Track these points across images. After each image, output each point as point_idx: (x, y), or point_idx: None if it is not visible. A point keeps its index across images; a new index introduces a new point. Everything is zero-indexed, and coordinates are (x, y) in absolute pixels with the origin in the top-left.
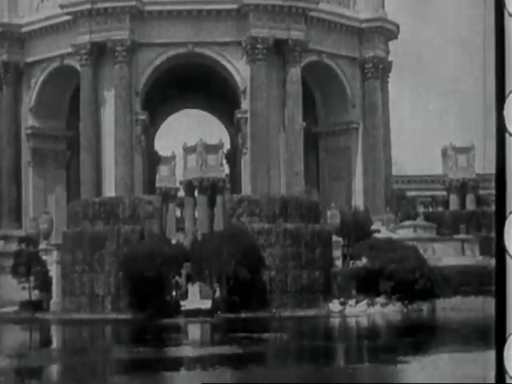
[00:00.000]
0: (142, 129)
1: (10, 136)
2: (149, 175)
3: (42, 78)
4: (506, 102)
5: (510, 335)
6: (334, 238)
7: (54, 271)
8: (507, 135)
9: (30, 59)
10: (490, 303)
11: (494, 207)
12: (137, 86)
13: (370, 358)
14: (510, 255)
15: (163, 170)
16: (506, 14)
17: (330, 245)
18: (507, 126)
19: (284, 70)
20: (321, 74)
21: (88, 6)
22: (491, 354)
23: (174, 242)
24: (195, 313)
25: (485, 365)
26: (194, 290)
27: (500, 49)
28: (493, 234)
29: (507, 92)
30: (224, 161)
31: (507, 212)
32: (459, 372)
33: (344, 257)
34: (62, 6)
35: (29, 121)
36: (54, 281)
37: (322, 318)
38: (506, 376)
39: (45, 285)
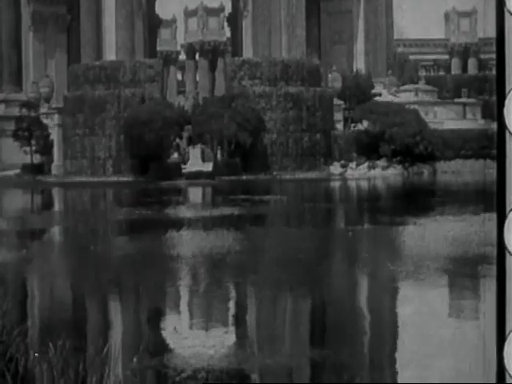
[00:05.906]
0: None
1: (10, 0)
2: (149, 39)
3: None
4: (506, 100)
5: (510, 333)
6: (335, 101)
7: (55, 135)
8: (507, 134)
9: None
10: (490, 166)
11: (494, 71)
12: None
13: (369, 220)
14: (510, 253)
15: (164, 34)
16: (506, 12)
17: (331, 108)
18: (507, 125)
19: None
20: None
21: None
22: (492, 216)
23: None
24: (196, 175)
25: (485, 225)
26: (195, 152)
27: (500, 47)
28: (494, 98)
29: (507, 90)
30: (225, 24)
31: (507, 210)
32: (458, 232)
33: (345, 120)
34: None
35: None
36: (55, 144)
37: (323, 181)
38: (506, 375)
39: (46, 148)
